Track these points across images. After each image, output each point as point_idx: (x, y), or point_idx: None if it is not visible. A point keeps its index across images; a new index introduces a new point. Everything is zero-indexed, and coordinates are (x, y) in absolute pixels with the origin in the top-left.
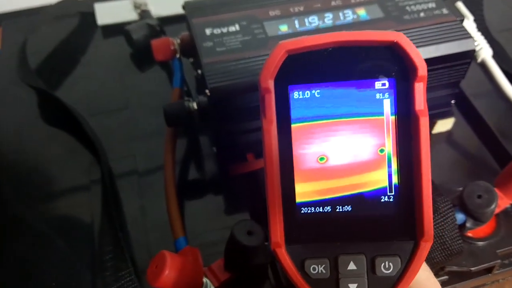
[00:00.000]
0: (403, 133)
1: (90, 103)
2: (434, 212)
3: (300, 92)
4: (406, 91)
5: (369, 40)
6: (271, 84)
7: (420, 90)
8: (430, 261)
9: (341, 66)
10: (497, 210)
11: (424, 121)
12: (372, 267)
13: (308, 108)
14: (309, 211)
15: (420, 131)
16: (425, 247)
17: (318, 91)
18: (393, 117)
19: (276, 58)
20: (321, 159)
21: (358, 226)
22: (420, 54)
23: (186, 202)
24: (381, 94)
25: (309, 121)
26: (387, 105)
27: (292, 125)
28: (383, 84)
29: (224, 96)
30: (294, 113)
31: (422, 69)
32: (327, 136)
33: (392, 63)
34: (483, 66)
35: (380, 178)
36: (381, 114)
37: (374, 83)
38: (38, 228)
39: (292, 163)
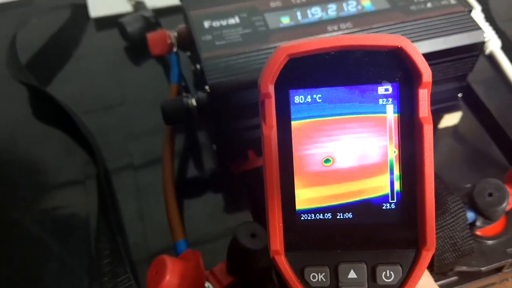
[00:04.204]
0: (406, 139)
1: (84, 100)
2: (444, 212)
3: (302, 97)
4: (410, 97)
5: (372, 44)
6: (271, 89)
7: (424, 96)
8: (440, 263)
9: (343, 70)
10: (508, 208)
11: (428, 129)
12: (373, 276)
13: (309, 111)
14: (309, 218)
15: (423, 139)
16: (427, 256)
17: (320, 95)
18: (396, 123)
19: (277, 62)
20: (327, 161)
21: (359, 234)
22: (424, 60)
23: (186, 203)
24: (384, 100)
25: (311, 118)
26: (390, 111)
27: (293, 125)
28: (386, 90)
29: (225, 92)
30: (294, 115)
31: (427, 75)
32: (331, 135)
33: (395, 68)
34: (491, 58)
35: (382, 184)
36: (384, 119)
37: (377, 88)
38: (33, 232)
39: (293, 169)
